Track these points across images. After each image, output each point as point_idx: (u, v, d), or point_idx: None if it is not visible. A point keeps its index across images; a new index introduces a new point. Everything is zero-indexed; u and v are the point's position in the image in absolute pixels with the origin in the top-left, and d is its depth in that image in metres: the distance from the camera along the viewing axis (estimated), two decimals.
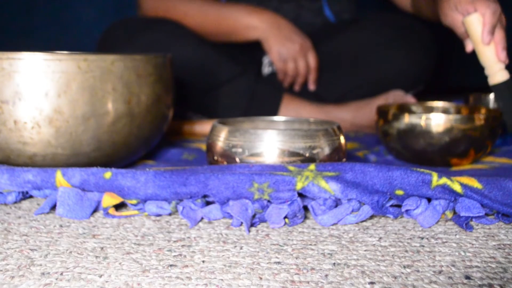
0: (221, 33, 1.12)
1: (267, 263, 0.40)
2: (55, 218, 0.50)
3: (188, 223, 0.49)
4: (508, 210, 0.48)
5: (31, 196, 0.56)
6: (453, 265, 0.40)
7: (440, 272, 0.39)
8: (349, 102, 1.12)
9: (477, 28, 0.77)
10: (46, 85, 0.56)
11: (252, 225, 0.49)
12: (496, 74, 0.77)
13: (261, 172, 0.50)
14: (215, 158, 0.58)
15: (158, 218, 0.51)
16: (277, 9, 1.22)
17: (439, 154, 0.72)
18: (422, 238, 0.46)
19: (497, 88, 0.77)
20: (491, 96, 0.91)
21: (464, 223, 0.48)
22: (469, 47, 0.82)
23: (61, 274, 0.38)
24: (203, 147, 0.85)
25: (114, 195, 0.50)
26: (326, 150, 0.56)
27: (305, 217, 0.51)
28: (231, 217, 0.49)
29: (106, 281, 0.37)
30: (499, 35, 0.77)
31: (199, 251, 0.43)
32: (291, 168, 0.51)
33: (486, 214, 0.50)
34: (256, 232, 0.48)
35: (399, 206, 0.50)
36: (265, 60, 1.23)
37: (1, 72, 0.56)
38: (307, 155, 0.55)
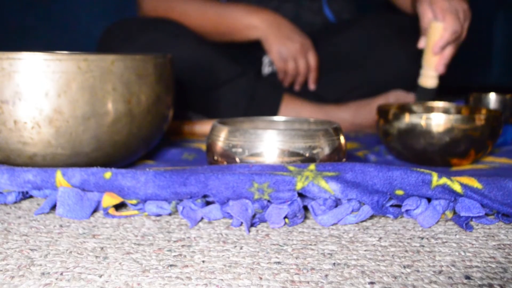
0: (221, 32, 1.12)
1: (267, 263, 0.40)
2: (55, 218, 0.50)
3: (188, 223, 0.49)
4: (508, 210, 0.48)
5: (31, 196, 0.56)
6: (453, 265, 0.40)
7: (440, 272, 0.39)
8: (349, 102, 1.12)
9: (435, 36, 0.87)
10: (46, 85, 0.56)
11: (252, 225, 0.49)
12: (428, 78, 0.90)
13: (261, 172, 0.50)
14: (215, 158, 0.58)
15: (158, 218, 0.51)
16: (276, 8, 1.22)
17: (439, 154, 0.72)
18: (422, 238, 0.46)
19: (423, 91, 0.91)
20: (491, 96, 0.91)
21: (464, 223, 0.48)
22: (421, 44, 0.92)
23: (61, 274, 0.38)
24: (203, 147, 0.85)
25: (114, 195, 0.50)
26: (326, 150, 0.56)
27: (305, 217, 0.51)
28: (231, 217, 0.49)
29: (106, 281, 0.37)
30: (449, 51, 0.88)
31: (199, 251, 0.43)
32: (291, 168, 0.51)
33: (486, 214, 0.50)
34: (256, 232, 0.48)
35: (399, 206, 0.50)
36: (265, 60, 1.23)
37: (1, 72, 0.56)
38: (307, 155, 0.55)
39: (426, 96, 0.91)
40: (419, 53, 1.14)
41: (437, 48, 0.86)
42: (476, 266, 0.40)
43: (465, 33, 0.90)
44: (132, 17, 1.18)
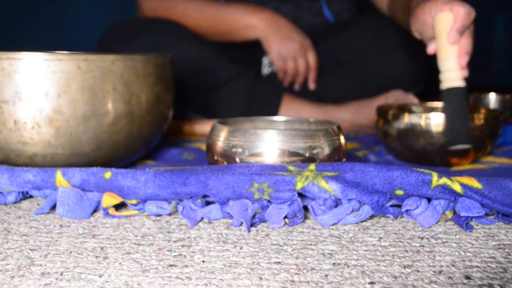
0: (221, 32, 1.12)
1: (267, 263, 0.40)
2: (55, 218, 0.50)
3: (188, 223, 0.49)
4: (508, 210, 0.48)
5: (31, 196, 0.56)
6: (453, 265, 0.40)
7: (440, 272, 0.39)
8: (349, 102, 1.12)
9: (446, 26, 0.70)
10: (46, 85, 0.56)
11: (252, 225, 0.49)
12: (452, 79, 0.69)
13: (261, 172, 0.50)
14: (215, 158, 0.58)
15: (158, 218, 0.51)
16: (276, 9, 1.22)
17: (439, 154, 0.72)
18: (422, 238, 0.46)
19: (449, 93, 0.69)
20: (491, 96, 0.90)
21: (464, 223, 0.48)
22: (431, 48, 0.75)
23: (61, 274, 0.38)
24: (203, 147, 0.85)
25: (114, 195, 0.50)
26: (326, 150, 0.56)
27: (305, 217, 0.51)
28: (231, 217, 0.49)
29: (106, 281, 0.37)
30: (467, 40, 0.71)
31: (199, 251, 0.43)
32: (291, 168, 0.51)
33: (486, 214, 0.50)
34: (256, 232, 0.48)
35: (399, 206, 0.50)
36: (265, 60, 1.23)
37: (1, 72, 0.56)
38: (307, 155, 0.55)
39: (455, 97, 0.69)
40: (419, 53, 1.14)
41: (454, 33, 0.69)
42: (476, 266, 0.40)
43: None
44: (132, 17, 1.18)
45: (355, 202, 0.49)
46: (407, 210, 0.50)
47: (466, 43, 0.71)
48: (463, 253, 0.42)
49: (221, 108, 1.09)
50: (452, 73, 0.69)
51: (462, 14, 0.69)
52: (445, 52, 0.70)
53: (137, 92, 0.61)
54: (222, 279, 0.37)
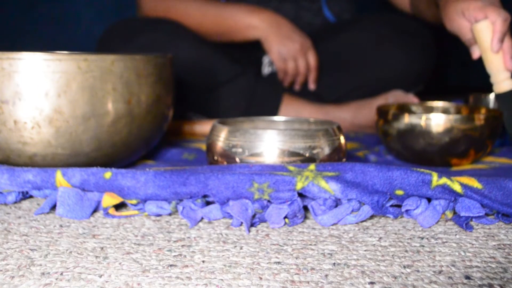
0: (221, 32, 1.12)
1: (267, 263, 0.40)
2: (55, 218, 0.50)
3: (188, 223, 0.49)
4: (508, 210, 0.48)
5: (31, 196, 0.56)
6: (453, 265, 0.40)
7: (440, 272, 0.39)
8: (349, 102, 1.12)
9: (487, 36, 0.75)
10: (46, 85, 0.56)
11: (252, 225, 0.49)
12: (502, 82, 0.76)
13: (261, 172, 0.50)
14: (215, 158, 0.58)
15: (158, 218, 0.51)
16: (276, 9, 1.22)
17: (439, 154, 0.72)
18: (422, 238, 0.46)
19: (503, 97, 0.76)
20: (491, 96, 0.90)
21: (464, 223, 0.48)
22: (476, 54, 0.80)
23: (61, 274, 0.38)
24: (203, 147, 0.85)
25: (114, 195, 0.50)
26: (326, 150, 0.56)
27: (305, 217, 0.51)
28: (231, 217, 0.49)
29: (106, 281, 0.37)
30: (508, 43, 0.76)
31: (199, 251, 0.43)
32: (291, 168, 0.51)
33: (486, 214, 0.50)
34: (256, 232, 0.48)
35: (399, 206, 0.50)
36: (265, 60, 1.23)
37: (1, 72, 0.56)
38: (307, 155, 0.55)
39: (510, 100, 0.76)
40: (419, 53, 1.14)
41: (496, 43, 0.74)
42: (476, 266, 0.40)
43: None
44: (132, 17, 1.18)
45: (355, 202, 0.49)
46: (407, 210, 0.50)
47: (508, 46, 0.76)
48: (463, 253, 0.42)
49: (221, 108, 1.09)
50: (500, 76, 0.76)
51: (500, 23, 0.73)
52: (491, 60, 0.77)
53: (137, 92, 0.61)
54: (222, 279, 0.37)
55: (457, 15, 0.77)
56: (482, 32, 0.75)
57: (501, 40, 0.75)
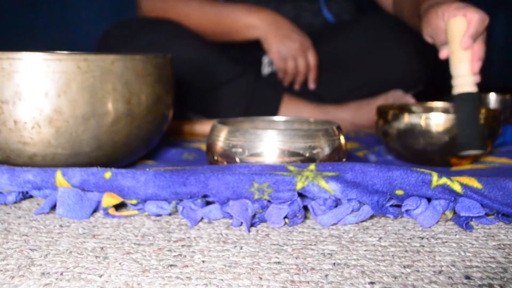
0: (221, 32, 1.12)
1: (267, 263, 0.40)
2: (55, 218, 0.50)
3: (188, 223, 0.49)
4: (508, 210, 0.48)
5: (31, 196, 0.56)
6: (453, 265, 0.40)
7: (440, 272, 0.39)
8: (349, 102, 1.12)
9: (459, 31, 0.70)
10: (46, 85, 0.56)
11: (252, 225, 0.49)
12: (465, 84, 0.69)
13: (261, 172, 0.50)
14: (215, 158, 0.58)
15: (158, 218, 0.51)
16: (275, 10, 1.22)
17: (439, 154, 0.72)
18: (422, 238, 0.46)
19: (461, 98, 0.69)
20: (492, 96, 0.90)
21: (464, 223, 0.48)
22: (443, 53, 0.75)
23: (61, 274, 0.38)
24: (203, 147, 0.85)
25: (114, 195, 0.50)
26: (326, 150, 0.56)
27: (305, 217, 0.51)
28: (231, 217, 0.49)
29: (106, 281, 0.37)
30: (480, 46, 0.71)
31: (199, 251, 0.43)
32: (291, 168, 0.51)
33: (486, 214, 0.50)
34: (256, 232, 0.48)
35: (399, 206, 0.50)
36: (265, 60, 1.23)
37: (1, 72, 0.56)
38: (307, 155, 0.55)
39: (468, 103, 0.68)
40: (419, 53, 1.14)
41: (467, 38, 0.68)
42: (476, 266, 0.40)
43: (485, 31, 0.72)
44: (132, 18, 1.18)
45: (355, 202, 0.49)
46: (407, 210, 0.50)
47: (479, 49, 0.71)
48: (463, 253, 0.42)
49: (221, 108, 1.09)
50: (465, 78, 0.69)
51: (476, 20, 0.69)
52: (458, 57, 0.70)
53: (137, 92, 0.61)
54: (222, 279, 0.37)
55: (436, 17, 0.73)
56: (455, 27, 0.70)
57: (473, 37, 0.69)
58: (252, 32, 1.11)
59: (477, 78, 0.70)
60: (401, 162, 0.78)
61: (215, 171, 0.51)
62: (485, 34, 0.73)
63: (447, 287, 0.36)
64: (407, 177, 0.49)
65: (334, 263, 0.40)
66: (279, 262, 0.40)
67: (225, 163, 0.57)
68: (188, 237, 0.46)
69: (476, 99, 0.69)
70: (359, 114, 1.09)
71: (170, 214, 0.52)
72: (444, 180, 0.48)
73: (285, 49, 1.10)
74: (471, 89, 0.69)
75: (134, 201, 0.50)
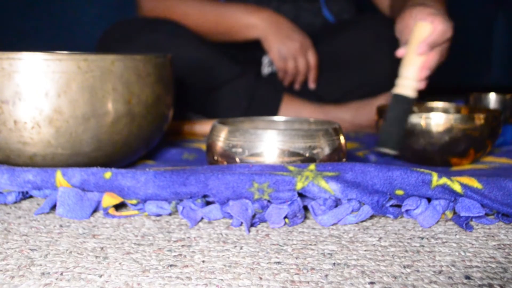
0: (221, 32, 1.12)
1: (267, 263, 0.40)
2: (55, 218, 0.50)
3: (188, 223, 0.49)
4: (508, 210, 0.48)
5: (31, 196, 0.56)
6: (453, 265, 0.40)
7: (440, 272, 0.39)
8: (349, 102, 1.12)
9: (421, 35, 0.71)
10: (46, 85, 0.56)
11: (252, 225, 0.49)
12: (406, 87, 0.70)
13: (261, 172, 0.50)
14: (215, 158, 0.58)
15: (158, 218, 0.51)
16: (276, 10, 1.22)
17: (439, 154, 0.72)
18: (422, 238, 0.46)
19: (397, 99, 0.70)
20: (492, 96, 0.90)
21: (464, 223, 0.48)
22: (400, 52, 0.76)
23: (61, 274, 0.38)
24: (203, 147, 0.85)
25: (114, 195, 0.50)
26: (326, 150, 0.56)
27: (305, 217, 0.51)
28: (231, 217, 0.49)
29: (106, 281, 0.37)
30: (435, 57, 0.72)
31: (199, 251, 0.43)
32: (291, 168, 0.51)
33: (486, 214, 0.50)
34: (256, 232, 0.48)
35: (399, 206, 0.50)
36: (265, 60, 1.23)
37: (1, 72, 0.56)
38: (307, 155, 0.55)
39: (401, 105, 0.70)
40: None
41: (423, 46, 0.70)
42: (476, 266, 0.40)
43: (448, 44, 0.76)
44: (132, 18, 1.18)
45: (355, 202, 0.49)
46: (407, 210, 0.50)
47: (432, 58, 0.72)
48: (463, 253, 0.42)
49: (221, 108, 1.09)
50: (408, 81, 0.71)
51: (439, 30, 0.71)
52: (410, 60, 0.72)
53: (137, 92, 0.61)
54: (222, 279, 0.37)
55: (409, 16, 0.75)
56: (419, 31, 0.72)
57: (431, 46, 0.71)
58: (252, 32, 1.11)
59: (421, 85, 0.72)
60: (401, 162, 0.78)
61: (215, 171, 0.51)
62: (445, 46, 0.75)
63: (447, 287, 0.36)
64: (407, 177, 0.49)
65: (334, 263, 0.40)
66: (279, 262, 0.40)
67: (225, 163, 0.57)
68: (188, 237, 0.46)
69: (410, 104, 0.70)
70: (359, 114, 1.09)
71: (170, 214, 0.52)
72: (444, 180, 0.48)
73: (285, 49, 1.10)
74: (409, 94, 0.70)
75: (134, 201, 0.50)
